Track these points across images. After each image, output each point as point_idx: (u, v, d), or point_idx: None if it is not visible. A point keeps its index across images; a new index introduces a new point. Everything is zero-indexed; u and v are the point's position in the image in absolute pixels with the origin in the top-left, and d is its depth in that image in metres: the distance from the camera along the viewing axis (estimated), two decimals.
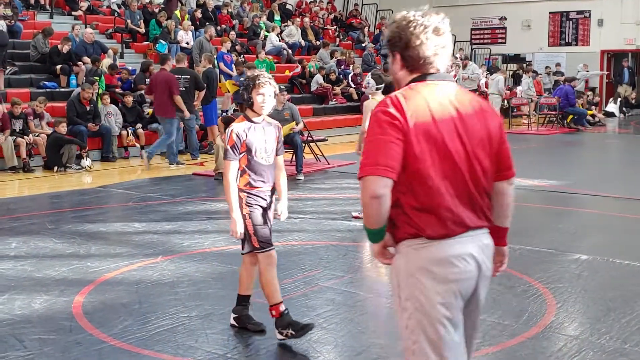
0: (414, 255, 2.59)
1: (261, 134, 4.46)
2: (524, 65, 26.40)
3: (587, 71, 25.63)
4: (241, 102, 4.59)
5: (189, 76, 13.11)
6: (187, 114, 12.48)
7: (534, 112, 21.21)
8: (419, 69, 2.67)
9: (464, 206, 2.61)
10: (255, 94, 4.43)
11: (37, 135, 12.22)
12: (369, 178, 2.50)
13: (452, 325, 2.59)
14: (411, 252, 2.60)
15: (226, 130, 4.53)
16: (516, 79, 26.25)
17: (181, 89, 12.93)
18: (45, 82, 14.78)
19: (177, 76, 12.99)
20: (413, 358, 2.66)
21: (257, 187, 4.46)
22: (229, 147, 4.43)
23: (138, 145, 13.76)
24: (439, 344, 2.58)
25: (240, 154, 4.43)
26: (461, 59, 24.21)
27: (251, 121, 4.47)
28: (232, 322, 4.75)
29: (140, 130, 13.85)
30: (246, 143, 4.42)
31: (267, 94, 4.43)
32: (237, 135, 4.41)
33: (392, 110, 2.56)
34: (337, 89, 19.88)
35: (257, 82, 4.42)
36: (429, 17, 2.67)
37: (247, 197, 4.45)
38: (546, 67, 25.87)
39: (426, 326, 2.59)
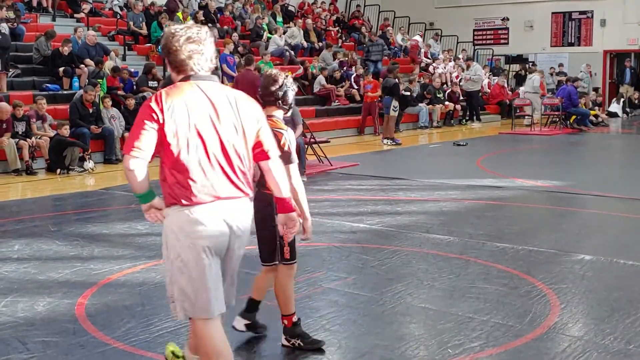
0: (174, 218, 3.28)
1: None
2: (527, 65, 26.38)
3: (590, 71, 25.63)
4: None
5: None
6: None
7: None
8: (180, 70, 3.38)
9: (216, 180, 3.27)
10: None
11: (40, 138, 12.23)
12: (125, 156, 3.24)
13: (205, 274, 3.27)
14: (173, 216, 3.28)
15: (283, 134, 4.21)
16: (518, 80, 26.24)
17: None
18: (47, 85, 14.78)
19: None
20: (181, 300, 3.33)
21: None
22: (292, 150, 4.20)
23: None
24: (190, 287, 3.28)
25: None
26: (464, 60, 24.20)
27: None
28: (242, 328, 4.61)
29: None
30: None
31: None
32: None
33: (153, 104, 3.26)
34: (341, 90, 19.85)
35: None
36: (187, 29, 3.36)
37: None
38: (550, 68, 25.86)
39: (185, 274, 3.27)
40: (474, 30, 28.79)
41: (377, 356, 4.32)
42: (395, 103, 16.61)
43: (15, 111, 12.09)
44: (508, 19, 28.05)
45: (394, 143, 16.30)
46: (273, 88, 4.31)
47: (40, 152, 12.24)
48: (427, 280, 5.92)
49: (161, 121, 3.21)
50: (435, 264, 6.43)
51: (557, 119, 20.53)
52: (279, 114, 4.36)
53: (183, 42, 3.33)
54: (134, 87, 15.54)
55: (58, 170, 11.92)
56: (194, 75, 3.35)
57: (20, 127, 12.14)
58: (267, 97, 4.33)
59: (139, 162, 3.21)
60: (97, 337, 4.60)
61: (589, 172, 12.72)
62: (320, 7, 25.96)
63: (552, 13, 27.28)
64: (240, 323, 4.58)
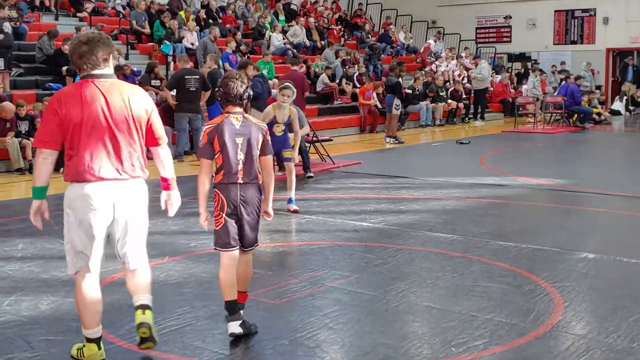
0: (69, 192, 4.04)
1: None
2: (528, 64, 26.35)
3: (592, 69, 25.62)
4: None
5: (198, 76, 13.15)
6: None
7: (539, 110, 21.18)
8: (78, 69, 4.04)
9: (103, 163, 3.97)
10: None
11: None
12: (42, 150, 3.96)
13: (88, 236, 4.02)
14: (69, 190, 4.04)
15: (264, 127, 4.70)
16: (520, 78, 26.22)
17: (192, 89, 12.96)
18: (50, 84, 14.79)
19: (188, 76, 13.03)
20: (68, 256, 4.12)
21: None
22: (269, 141, 4.75)
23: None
24: (77, 248, 4.07)
25: None
26: (471, 58, 24.13)
27: None
28: (239, 329, 4.56)
29: None
30: None
31: None
32: None
33: (54, 101, 3.96)
34: (348, 87, 19.78)
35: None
36: (84, 35, 4.08)
37: None
38: (552, 66, 25.84)
39: (73, 234, 4.06)
40: (477, 28, 28.77)
41: (381, 354, 4.32)
42: (397, 101, 16.61)
43: (18, 111, 12.10)
44: (511, 17, 28.03)
45: (396, 141, 16.30)
46: (242, 89, 4.58)
47: None
48: (430, 278, 5.92)
49: (62, 115, 3.89)
50: (438, 262, 6.43)
51: (560, 117, 20.51)
52: (239, 110, 4.62)
53: (76, 44, 4.02)
54: (137, 85, 15.52)
55: (61, 170, 11.85)
56: (89, 73, 4.01)
57: (24, 127, 12.16)
58: (233, 97, 4.57)
59: (50, 151, 3.96)
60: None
61: (592, 170, 12.71)
62: (322, 6, 25.95)
63: (555, 11, 27.26)
64: (234, 327, 4.54)
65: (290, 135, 8.73)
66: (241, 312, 4.71)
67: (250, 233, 4.64)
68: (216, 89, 4.71)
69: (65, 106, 3.90)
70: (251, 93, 4.69)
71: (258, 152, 4.59)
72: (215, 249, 4.68)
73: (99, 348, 4.10)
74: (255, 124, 4.61)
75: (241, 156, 4.52)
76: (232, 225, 4.57)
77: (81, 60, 3.99)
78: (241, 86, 4.56)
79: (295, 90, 8.49)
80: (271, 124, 8.25)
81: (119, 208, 4.05)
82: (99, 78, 4.01)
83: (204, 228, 4.70)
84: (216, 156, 4.56)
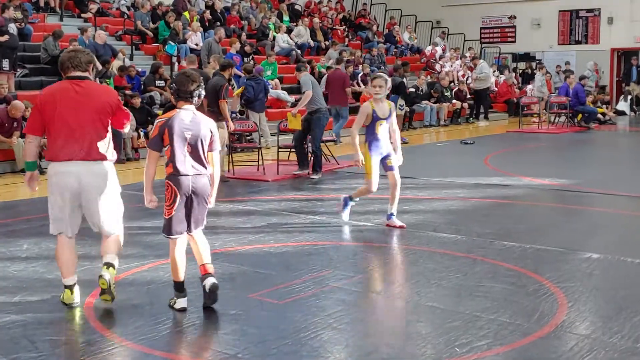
0: (50, 168, 5.03)
1: None
2: (533, 64, 26.30)
3: (597, 69, 25.57)
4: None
5: (201, 77, 13.15)
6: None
7: (544, 110, 21.15)
8: (65, 71, 5.07)
9: (71, 147, 4.94)
10: None
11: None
12: (28, 135, 5.07)
13: (61, 206, 5.02)
14: (50, 166, 5.03)
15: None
16: (525, 78, 26.17)
17: None
18: None
19: None
20: (50, 219, 5.10)
21: None
22: (216, 139, 5.16)
23: None
24: (55, 213, 5.07)
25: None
26: (470, 59, 24.09)
27: None
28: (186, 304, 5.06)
29: None
30: None
31: None
32: None
33: (39, 97, 5.06)
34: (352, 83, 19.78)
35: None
36: (72, 46, 5.31)
37: None
38: (557, 66, 25.80)
39: (52, 202, 5.05)
40: (481, 28, 28.75)
41: (384, 355, 4.32)
42: (401, 101, 16.60)
43: (25, 112, 12.12)
44: (515, 17, 27.99)
45: (400, 142, 16.27)
46: (192, 87, 4.92)
47: None
48: (434, 279, 5.92)
49: (42, 108, 4.98)
50: (442, 262, 6.43)
51: (565, 117, 20.48)
52: (190, 107, 4.94)
53: (65, 51, 5.16)
54: (142, 86, 15.55)
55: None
56: (70, 75, 5.03)
57: None
58: (184, 94, 4.92)
59: (35, 138, 5.05)
60: (105, 335, 4.63)
61: (596, 170, 12.69)
62: (326, 6, 25.95)
63: (560, 11, 27.21)
64: (184, 302, 5.07)
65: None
66: (213, 279, 5.03)
67: (199, 219, 5.04)
68: (170, 85, 5.11)
69: (46, 101, 4.98)
70: (202, 93, 4.98)
71: (207, 147, 4.93)
72: (163, 235, 5.02)
73: (72, 293, 5.15)
74: (204, 121, 4.95)
75: (189, 149, 4.84)
76: (181, 215, 4.93)
77: (68, 61, 5.03)
78: (192, 84, 4.90)
79: (388, 79, 7.84)
80: (373, 122, 7.66)
81: (85, 183, 4.95)
82: (76, 79, 5.02)
83: (150, 208, 5.13)
84: (165, 149, 4.87)
